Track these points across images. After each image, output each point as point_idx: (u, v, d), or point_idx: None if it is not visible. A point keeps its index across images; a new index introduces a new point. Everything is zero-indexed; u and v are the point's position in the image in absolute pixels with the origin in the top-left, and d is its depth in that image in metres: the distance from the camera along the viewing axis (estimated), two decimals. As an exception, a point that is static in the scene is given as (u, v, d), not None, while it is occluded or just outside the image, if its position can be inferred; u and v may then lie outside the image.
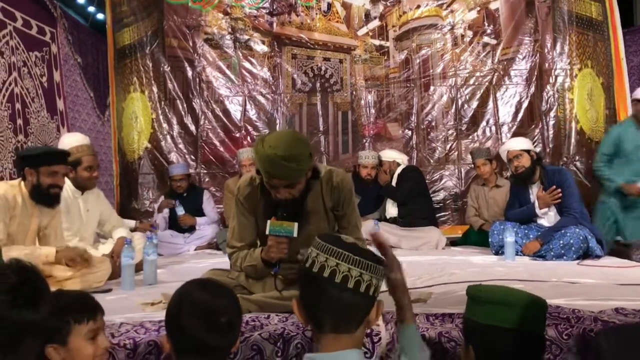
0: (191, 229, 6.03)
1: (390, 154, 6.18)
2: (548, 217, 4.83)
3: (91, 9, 7.26)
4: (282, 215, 2.58)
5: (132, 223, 5.25)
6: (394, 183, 5.96)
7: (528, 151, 4.89)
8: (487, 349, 1.70)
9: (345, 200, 2.82)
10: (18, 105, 5.05)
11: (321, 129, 6.92)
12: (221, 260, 4.86)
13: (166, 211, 6.07)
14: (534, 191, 4.87)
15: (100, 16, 7.12)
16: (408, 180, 5.91)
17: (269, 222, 2.59)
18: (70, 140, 4.48)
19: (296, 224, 2.56)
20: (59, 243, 3.72)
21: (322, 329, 1.49)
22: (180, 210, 5.91)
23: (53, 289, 1.77)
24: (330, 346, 1.47)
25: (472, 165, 6.42)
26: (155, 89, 6.89)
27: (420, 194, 5.95)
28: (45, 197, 3.51)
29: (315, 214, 2.78)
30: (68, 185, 4.21)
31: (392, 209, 5.97)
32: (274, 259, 2.64)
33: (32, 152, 3.67)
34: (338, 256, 1.46)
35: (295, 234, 2.55)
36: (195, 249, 5.89)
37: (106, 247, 4.32)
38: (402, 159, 6.15)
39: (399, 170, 6.01)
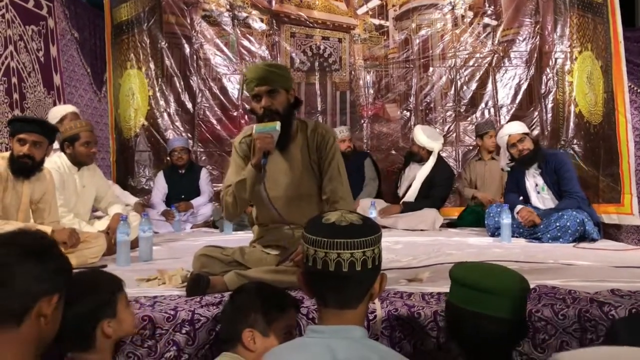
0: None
1: (422, 138, 5.71)
2: (544, 200, 4.82)
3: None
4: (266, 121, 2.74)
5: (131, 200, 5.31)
6: (418, 173, 5.72)
7: (527, 134, 4.89)
8: (463, 333, 1.72)
9: (329, 145, 2.89)
10: (14, 80, 5.00)
11: (319, 108, 6.90)
12: (218, 239, 4.88)
13: (163, 192, 6.09)
14: (531, 174, 4.86)
15: (97, -9, 7.04)
16: (442, 187, 5.72)
17: (254, 125, 2.77)
18: (58, 110, 4.56)
19: (279, 122, 2.70)
20: (52, 218, 3.71)
21: (326, 304, 1.50)
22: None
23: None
24: (333, 320, 1.49)
25: (471, 147, 6.41)
26: (152, 65, 6.84)
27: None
28: (16, 167, 3.44)
29: (300, 164, 2.88)
30: (64, 160, 4.20)
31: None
32: (260, 150, 2.68)
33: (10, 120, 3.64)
34: (337, 246, 1.46)
35: (278, 129, 2.69)
36: (192, 227, 5.89)
37: (102, 223, 4.31)
38: (433, 147, 5.72)
39: (430, 162, 5.70)
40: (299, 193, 2.88)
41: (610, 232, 5.28)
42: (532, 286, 2.36)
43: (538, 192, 4.86)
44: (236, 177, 2.81)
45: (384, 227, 5.44)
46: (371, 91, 6.89)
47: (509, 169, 5.06)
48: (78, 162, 4.23)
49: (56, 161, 4.15)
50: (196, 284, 2.55)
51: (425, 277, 2.99)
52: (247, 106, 6.83)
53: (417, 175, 5.70)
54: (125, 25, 6.83)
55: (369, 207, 5.30)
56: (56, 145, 4.09)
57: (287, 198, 2.87)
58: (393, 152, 6.77)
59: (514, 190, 4.97)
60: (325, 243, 1.47)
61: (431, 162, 5.69)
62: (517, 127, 4.95)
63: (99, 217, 4.56)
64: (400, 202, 5.69)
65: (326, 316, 1.51)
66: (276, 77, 2.78)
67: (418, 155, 5.76)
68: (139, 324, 2.19)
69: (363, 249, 1.47)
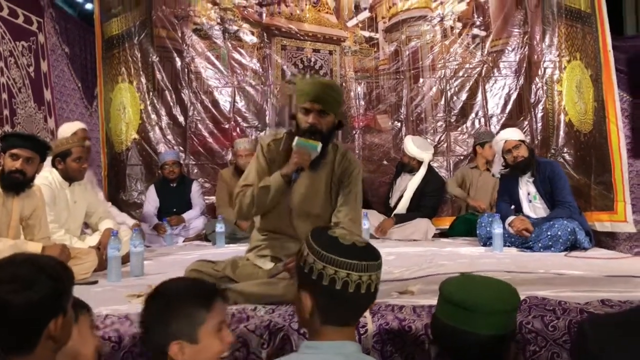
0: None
1: (412, 149, 5.77)
2: (536, 209, 4.83)
3: (79, -2, 7.19)
4: (308, 137, 2.73)
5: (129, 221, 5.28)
6: (409, 183, 5.74)
7: (523, 141, 4.91)
8: (452, 348, 1.72)
9: (353, 175, 2.91)
10: (5, 96, 5.00)
11: (311, 120, 6.89)
12: (210, 252, 4.86)
13: (155, 205, 6.07)
14: (524, 182, 4.87)
15: (88, 6, 7.05)
16: (433, 197, 5.75)
17: (296, 137, 2.73)
18: (70, 127, 4.57)
19: (320, 144, 2.71)
20: (43, 234, 3.70)
21: (327, 322, 1.51)
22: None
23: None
24: (331, 336, 1.50)
25: (462, 157, 6.43)
26: (143, 79, 6.85)
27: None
28: (7, 183, 3.44)
29: (322, 183, 2.89)
30: (55, 176, 4.19)
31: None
32: (296, 165, 2.66)
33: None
34: (348, 267, 1.47)
35: (318, 150, 2.71)
36: (184, 241, 5.88)
37: (93, 239, 4.29)
38: (423, 157, 5.78)
39: (421, 172, 5.75)
40: (310, 210, 2.89)
41: (603, 239, 5.29)
42: (522, 297, 2.37)
43: (530, 201, 4.86)
44: (257, 178, 2.81)
45: (377, 237, 5.46)
46: (362, 102, 6.91)
47: (499, 175, 5.07)
48: (69, 177, 4.22)
49: (47, 176, 4.13)
50: (186, 300, 2.53)
51: (416, 290, 2.99)
52: (238, 119, 6.85)
53: (408, 185, 5.71)
54: (116, 40, 6.83)
55: (362, 218, 5.26)
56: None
57: (298, 211, 2.88)
58: (385, 162, 6.77)
59: (506, 199, 4.98)
60: (335, 261, 1.48)
61: (422, 172, 5.71)
62: (514, 134, 4.98)
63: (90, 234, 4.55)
64: (392, 215, 5.69)
65: (324, 332, 1.51)
66: (332, 100, 2.78)
67: (409, 166, 5.78)
68: (130, 341, 2.18)
69: (369, 272, 1.50)
